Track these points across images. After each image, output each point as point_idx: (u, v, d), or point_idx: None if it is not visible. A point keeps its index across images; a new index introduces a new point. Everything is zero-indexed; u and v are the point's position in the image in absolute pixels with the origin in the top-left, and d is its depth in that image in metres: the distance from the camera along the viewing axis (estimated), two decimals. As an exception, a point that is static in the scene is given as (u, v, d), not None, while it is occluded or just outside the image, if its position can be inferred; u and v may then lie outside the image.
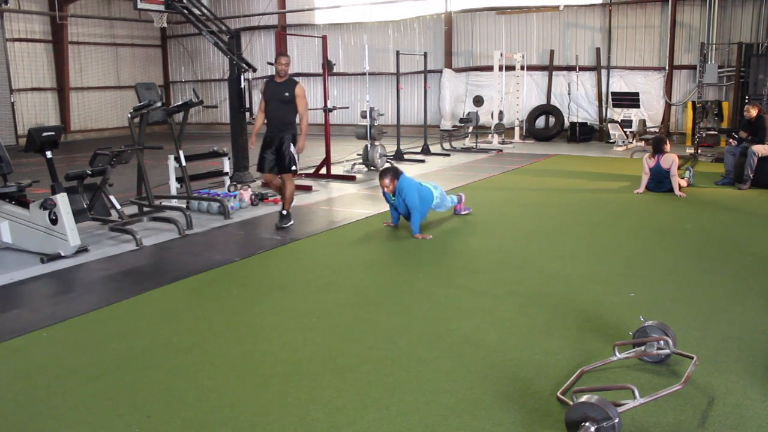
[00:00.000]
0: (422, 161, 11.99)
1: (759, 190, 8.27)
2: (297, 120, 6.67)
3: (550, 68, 16.11)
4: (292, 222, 6.70)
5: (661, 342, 3.17)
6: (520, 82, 15.79)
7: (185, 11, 8.92)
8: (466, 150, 13.60)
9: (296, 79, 6.65)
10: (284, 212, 6.66)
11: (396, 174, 6.18)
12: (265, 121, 6.71)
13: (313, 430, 2.74)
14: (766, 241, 5.89)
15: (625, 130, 13.80)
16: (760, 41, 13.42)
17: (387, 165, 6.90)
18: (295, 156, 6.55)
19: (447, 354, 3.47)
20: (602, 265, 5.14)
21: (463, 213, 7.10)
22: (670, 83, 14.79)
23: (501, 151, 13.59)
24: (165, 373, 3.31)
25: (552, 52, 16.04)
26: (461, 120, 14.31)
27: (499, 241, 6.03)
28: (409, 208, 6.11)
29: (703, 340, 3.57)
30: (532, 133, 15.94)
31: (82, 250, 5.67)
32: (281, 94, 6.47)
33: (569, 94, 15.63)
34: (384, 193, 6.33)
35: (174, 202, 7.64)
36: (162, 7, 8.89)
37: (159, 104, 7.12)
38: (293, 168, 6.57)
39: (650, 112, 14.81)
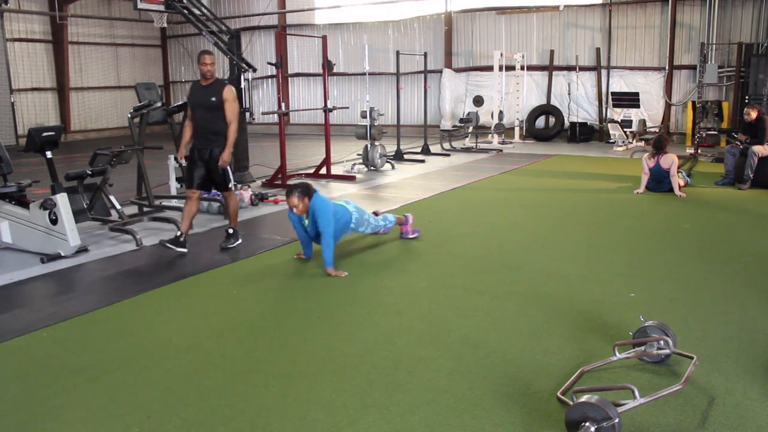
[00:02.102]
0: (422, 161, 11.99)
1: (759, 190, 8.27)
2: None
3: (550, 68, 16.11)
4: (240, 241, 5.99)
5: (661, 342, 3.17)
6: (520, 82, 15.79)
7: (185, 11, 8.92)
8: (466, 150, 13.59)
9: (224, 80, 5.81)
10: (230, 230, 5.94)
11: (306, 191, 5.10)
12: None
13: (313, 430, 2.74)
14: (766, 241, 5.89)
15: (625, 130, 13.80)
16: (760, 41, 13.41)
17: (296, 181, 5.38)
18: (230, 170, 5.82)
19: (447, 354, 3.47)
20: (602, 265, 5.14)
21: (410, 237, 6.02)
22: (670, 83, 14.79)
23: (501, 151, 13.58)
24: (165, 373, 3.31)
25: (552, 52, 16.04)
26: (461, 120, 14.31)
27: (499, 241, 6.03)
28: (320, 233, 5.04)
29: (703, 340, 3.57)
30: (532, 133, 15.93)
31: (82, 250, 5.67)
32: (207, 99, 5.61)
33: (569, 94, 15.63)
34: (290, 215, 5.27)
35: (174, 202, 7.64)
36: (162, 7, 8.88)
37: (159, 104, 7.13)
38: (231, 186, 5.88)
39: (650, 112, 14.81)
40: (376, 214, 5.95)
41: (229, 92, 5.64)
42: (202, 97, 5.67)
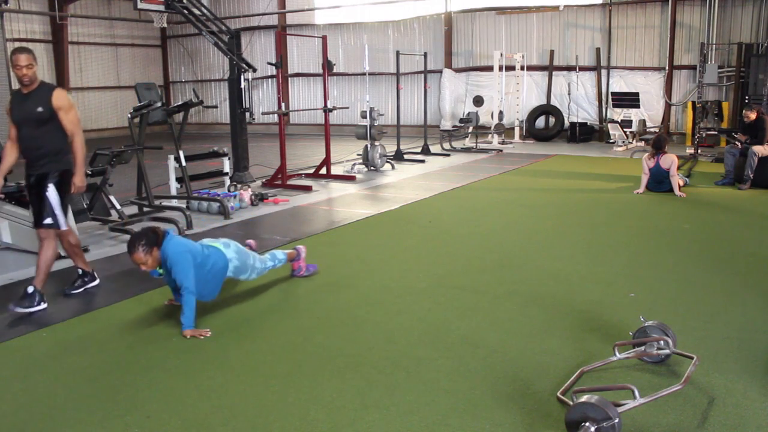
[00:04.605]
0: (422, 161, 12.00)
1: (759, 190, 8.27)
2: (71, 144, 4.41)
3: (550, 68, 16.11)
4: (45, 305, 4.28)
5: (661, 342, 3.17)
6: (520, 82, 15.79)
7: (185, 11, 8.92)
8: (466, 150, 13.60)
9: (52, 84, 4.48)
10: (30, 289, 4.24)
11: (153, 240, 3.85)
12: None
13: (313, 430, 2.74)
14: (766, 241, 5.89)
15: (625, 130, 13.80)
16: (760, 41, 13.41)
17: (139, 230, 4.05)
18: (53, 203, 4.30)
19: (447, 354, 3.47)
20: (602, 265, 5.14)
21: (304, 274, 4.90)
22: (670, 83, 14.79)
23: (501, 151, 13.59)
24: (165, 373, 3.31)
25: (552, 52, 16.04)
26: (461, 120, 14.31)
27: (499, 241, 6.03)
28: (179, 287, 3.87)
29: (703, 340, 3.57)
30: (532, 133, 15.94)
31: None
32: (31, 110, 4.23)
33: (569, 94, 15.64)
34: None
35: (174, 202, 7.64)
36: (162, 7, 8.88)
37: (159, 104, 7.12)
38: (47, 221, 4.28)
39: (650, 112, 14.82)
40: (250, 247, 4.88)
41: (60, 98, 4.29)
42: (24, 109, 4.27)
